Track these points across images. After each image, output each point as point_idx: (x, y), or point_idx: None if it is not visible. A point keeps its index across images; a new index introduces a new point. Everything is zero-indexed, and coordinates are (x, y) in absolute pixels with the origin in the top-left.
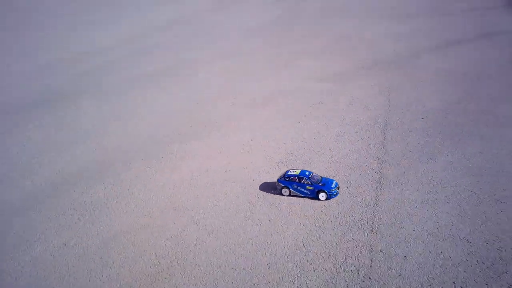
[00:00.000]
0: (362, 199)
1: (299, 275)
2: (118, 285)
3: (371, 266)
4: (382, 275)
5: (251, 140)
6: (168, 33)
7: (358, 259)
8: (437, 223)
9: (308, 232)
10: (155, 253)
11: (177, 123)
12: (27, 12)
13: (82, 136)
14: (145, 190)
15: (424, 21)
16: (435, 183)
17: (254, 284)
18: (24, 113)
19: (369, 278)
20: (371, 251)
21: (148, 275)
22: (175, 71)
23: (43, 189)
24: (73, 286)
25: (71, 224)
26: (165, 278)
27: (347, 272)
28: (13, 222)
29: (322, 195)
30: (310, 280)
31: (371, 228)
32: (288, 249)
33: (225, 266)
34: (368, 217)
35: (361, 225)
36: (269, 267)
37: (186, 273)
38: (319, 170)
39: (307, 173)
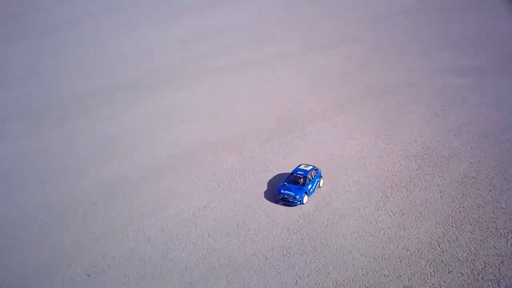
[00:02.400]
0: (507, 205)
1: (432, 274)
2: (252, 252)
3: None
4: None
5: (386, 129)
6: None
7: (499, 270)
8: None
9: (444, 231)
10: (287, 228)
11: (305, 105)
12: None
13: (221, 110)
14: (280, 165)
15: None
16: None
17: (384, 275)
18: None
19: None
20: None
21: (280, 247)
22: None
23: (185, 154)
24: (212, 246)
25: (211, 189)
26: (296, 254)
27: (486, 281)
28: (160, 182)
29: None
30: (444, 282)
31: None
32: (421, 245)
33: (355, 251)
34: None
35: (503, 233)
36: (401, 260)
37: (316, 252)
38: (457, 170)
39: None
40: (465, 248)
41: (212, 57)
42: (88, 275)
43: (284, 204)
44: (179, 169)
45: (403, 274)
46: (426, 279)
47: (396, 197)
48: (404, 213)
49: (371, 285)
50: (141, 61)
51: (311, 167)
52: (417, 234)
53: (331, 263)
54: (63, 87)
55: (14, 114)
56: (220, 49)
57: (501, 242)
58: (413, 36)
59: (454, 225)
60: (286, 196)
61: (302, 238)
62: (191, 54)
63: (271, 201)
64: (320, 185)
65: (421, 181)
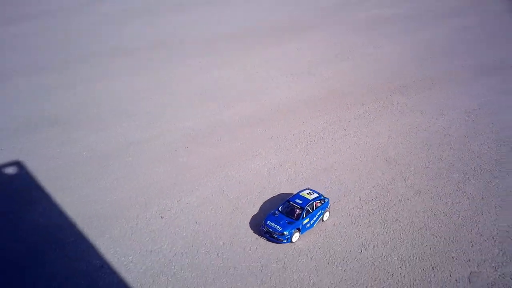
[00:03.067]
0: None
1: (505, 263)
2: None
3: None
4: None
5: (479, 108)
6: None
7: None
8: None
9: None
10: (359, 197)
11: (400, 72)
12: None
13: (305, 70)
14: (361, 134)
15: None
16: None
17: (452, 258)
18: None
19: None
20: None
21: (349, 215)
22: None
23: (265, 112)
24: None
25: (289, 149)
26: (365, 224)
27: None
28: (242, 134)
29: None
30: None
31: None
32: (497, 233)
33: (425, 229)
34: None
35: None
36: (472, 245)
37: (386, 225)
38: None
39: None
40: None
41: None
42: (161, 217)
43: (267, 239)
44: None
45: (472, 259)
46: (496, 267)
47: (478, 179)
48: (484, 198)
49: (437, 265)
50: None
51: (317, 195)
52: (494, 221)
53: (399, 238)
54: None
55: None
56: None
57: None
58: None
59: None
60: (271, 230)
61: (373, 209)
62: None
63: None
64: (324, 219)
65: (508, 167)
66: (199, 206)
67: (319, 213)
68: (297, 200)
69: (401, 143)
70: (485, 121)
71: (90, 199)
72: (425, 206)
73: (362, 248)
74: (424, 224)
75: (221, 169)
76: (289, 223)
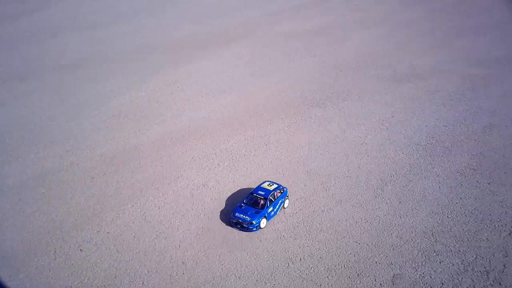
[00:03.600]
0: (503, 199)
1: (423, 263)
2: (246, 234)
3: (503, 271)
4: None
5: (392, 116)
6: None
7: (490, 262)
8: None
9: (439, 221)
10: (283, 211)
11: (314, 86)
12: None
13: (227, 87)
14: (282, 148)
15: None
16: None
17: (376, 263)
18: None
19: (499, 283)
20: (506, 256)
21: (275, 230)
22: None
23: (185, 132)
24: (206, 226)
25: (212, 168)
26: (290, 237)
27: (475, 272)
28: (161, 156)
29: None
30: (434, 272)
31: (509, 232)
32: (415, 234)
33: (348, 237)
34: (508, 219)
35: (498, 226)
36: (393, 248)
37: (311, 236)
38: (459, 161)
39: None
40: (458, 239)
41: None
42: (81, 250)
43: (239, 229)
44: (179, 147)
45: (394, 262)
46: (417, 267)
47: (395, 185)
48: (402, 202)
49: (362, 272)
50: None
51: (276, 185)
52: (412, 223)
53: (324, 248)
54: None
55: None
56: None
57: (494, 235)
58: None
59: (449, 216)
60: (240, 220)
61: (297, 222)
62: None
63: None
64: (285, 206)
65: (421, 170)
66: (120, 234)
67: (280, 201)
68: (260, 192)
69: (320, 154)
70: (398, 128)
71: (0, 239)
72: (347, 215)
73: (289, 262)
74: (347, 232)
75: (142, 194)
76: (255, 212)
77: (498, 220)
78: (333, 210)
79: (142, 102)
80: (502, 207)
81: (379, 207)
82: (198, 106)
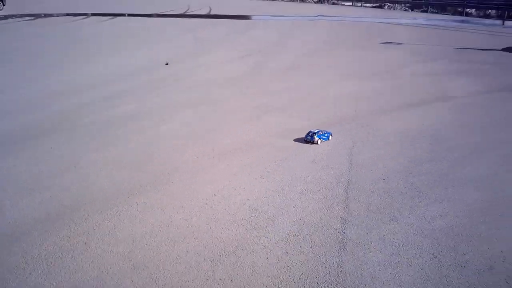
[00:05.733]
0: (326, 259)
1: None
2: None
3: None
4: None
5: (214, 195)
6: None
7: None
8: (400, 287)
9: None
10: None
11: (137, 173)
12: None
13: (40, 182)
14: (103, 244)
15: (381, 84)
16: (398, 245)
17: None
18: None
19: None
20: None
21: None
22: (138, 118)
23: None
24: None
25: (22, 279)
26: None
27: None
28: None
29: None
30: None
31: None
32: None
33: None
34: (332, 279)
35: (324, 287)
36: None
37: None
38: (282, 229)
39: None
40: None
41: None
42: None
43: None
44: None
45: None
46: None
47: (225, 264)
48: (233, 280)
49: None
50: None
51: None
52: None
53: None
54: None
55: None
56: None
57: None
58: None
59: (280, 286)
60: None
61: None
62: None
63: None
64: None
65: (249, 244)
66: None
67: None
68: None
69: (146, 244)
70: (222, 206)
71: None
72: None
73: None
74: None
75: None
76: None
77: (324, 281)
78: None
79: None
80: (326, 267)
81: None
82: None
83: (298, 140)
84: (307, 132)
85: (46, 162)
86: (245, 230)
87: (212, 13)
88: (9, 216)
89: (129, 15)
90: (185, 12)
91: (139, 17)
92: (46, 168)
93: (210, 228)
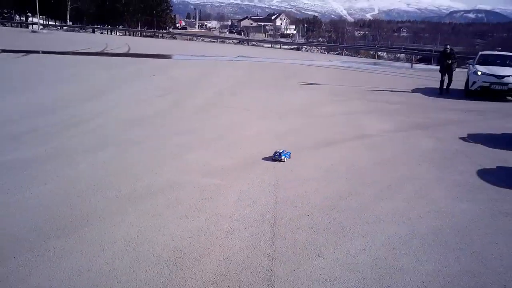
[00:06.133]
0: None
1: None
2: None
3: None
4: None
5: (137, 236)
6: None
7: None
8: None
9: None
10: None
11: (53, 217)
12: None
13: None
14: None
15: (301, 121)
16: (325, 281)
17: None
18: None
19: None
20: None
21: None
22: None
23: None
24: None
25: None
26: None
27: None
28: None
29: None
30: None
31: None
32: None
33: None
34: None
35: None
36: None
37: None
38: (209, 269)
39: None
40: None
41: None
42: None
43: None
44: None
45: None
46: None
47: None
48: None
49: None
50: None
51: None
52: None
53: None
54: None
55: None
56: None
57: None
58: None
59: None
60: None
61: None
62: None
63: None
64: None
65: (175, 286)
66: None
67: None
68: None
69: None
70: (146, 248)
71: None
72: None
73: None
74: None
75: None
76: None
77: None
78: None
79: None
80: None
81: None
82: None
83: (222, 177)
84: (273, 152)
85: None
86: (170, 272)
87: (131, 51)
88: None
89: (43, 52)
90: (102, 50)
91: (53, 55)
92: None
93: (134, 271)
